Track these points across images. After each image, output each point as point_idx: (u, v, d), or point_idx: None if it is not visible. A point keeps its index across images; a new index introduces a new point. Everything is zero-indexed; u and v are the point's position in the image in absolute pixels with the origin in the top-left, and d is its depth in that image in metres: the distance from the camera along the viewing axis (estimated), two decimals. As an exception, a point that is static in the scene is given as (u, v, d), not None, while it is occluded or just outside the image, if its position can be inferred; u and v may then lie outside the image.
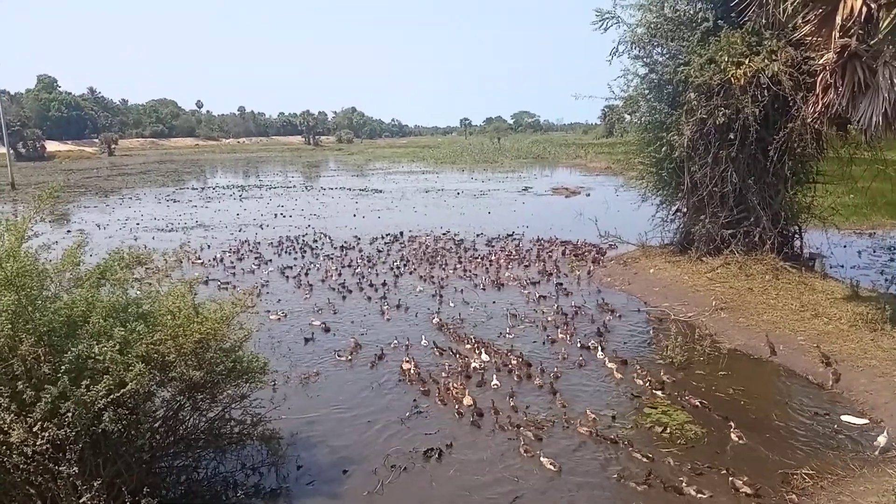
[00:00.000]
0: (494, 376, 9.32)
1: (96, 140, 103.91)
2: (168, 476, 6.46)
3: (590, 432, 7.55)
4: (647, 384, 8.90)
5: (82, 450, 5.19)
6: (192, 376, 5.88)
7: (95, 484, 5.09)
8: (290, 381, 9.32)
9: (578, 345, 10.61)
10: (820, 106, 10.90)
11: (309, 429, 7.91)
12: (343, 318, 12.73)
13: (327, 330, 11.90)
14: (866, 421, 7.70)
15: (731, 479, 6.46)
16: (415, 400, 8.61)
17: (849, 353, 9.42)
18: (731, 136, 13.58)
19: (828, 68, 10.38)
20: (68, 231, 22.76)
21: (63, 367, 5.08)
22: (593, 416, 7.93)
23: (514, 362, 9.82)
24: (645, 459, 6.95)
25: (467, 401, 8.45)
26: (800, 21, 11.33)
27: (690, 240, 15.29)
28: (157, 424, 6.31)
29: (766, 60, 12.84)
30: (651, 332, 11.57)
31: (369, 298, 14.05)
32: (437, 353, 10.54)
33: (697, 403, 8.26)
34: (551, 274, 15.69)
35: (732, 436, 7.37)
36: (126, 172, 62.69)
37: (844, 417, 7.84)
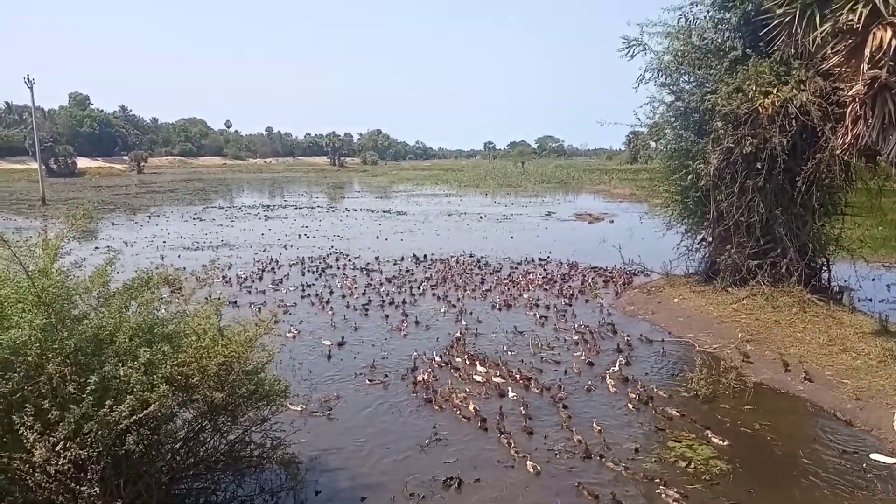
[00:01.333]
0: (512, 401, 9.25)
1: (126, 157, 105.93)
2: (187, 498, 6.46)
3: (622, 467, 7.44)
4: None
5: (104, 470, 5.21)
6: (214, 398, 5.89)
7: (116, 505, 5.11)
8: (311, 403, 9.30)
9: (604, 377, 10.45)
10: (849, 137, 10.79)
11: (328, 454, 7.88)
12: (364, 336, 12.81)
13: (341, 345, 12.20)
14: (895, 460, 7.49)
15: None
16: (434, 427, 8.54)
17: (878, 389, 9.20)
18: (759, 165, 13.46)
19: (857, 100, 10.30)
20: (96, 247, 23.06)
21: (88, 387, 5.11)
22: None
23: (534, 389, 9.76)
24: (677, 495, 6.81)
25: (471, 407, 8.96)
26: (829, 52, 11.30)
27: (716, 270, 15.12)
28: (177, 445, 6.32)
29: (794, 90, 12.76)
30: (675, 362, 11.40)
31: (387, 317, 14.16)
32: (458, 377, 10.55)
33: (718, 442, 8.09)
34: (572, 298, 15.61)
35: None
36: (154, 190, 63.68)
37: (873, 456, 7.64)
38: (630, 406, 9.30)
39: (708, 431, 8.37)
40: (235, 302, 14.94)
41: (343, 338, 12.60)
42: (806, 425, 8.82)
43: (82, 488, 5.07)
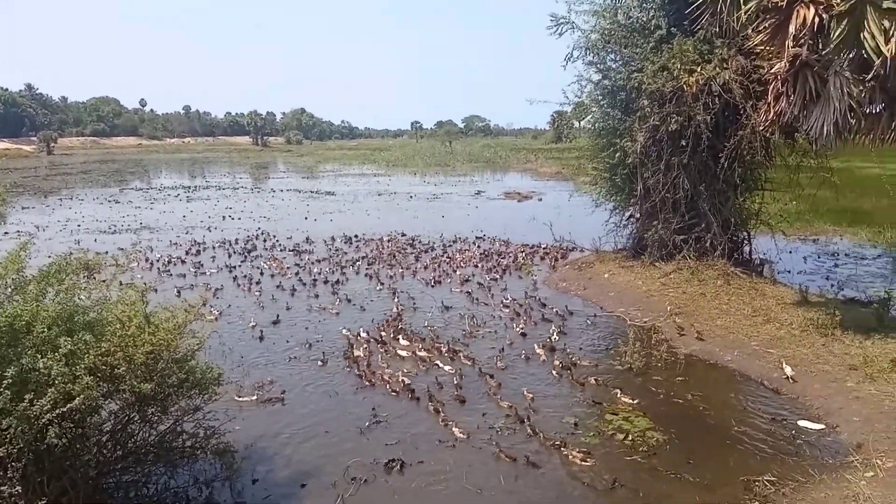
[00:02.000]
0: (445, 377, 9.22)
1: (34, 138, 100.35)
2: (116, 492, 6.12)
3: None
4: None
5: (25, 467, 4.86)
6: (142, 389, 5.57)
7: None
8: (244, 390, 8.98)
9: (537, 350, 10.53)
10: (771, 114, 11.11)
11: (264, 441, 7.63)
12: (296, 317, 12.62)
13: (275, 324, 12.14)
14: (822, 426, 7.81)
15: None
16: (374, 409, 8.39)
17: (802, 357, 9.59)
18: (683, 142, 13.76)
19: (779, 77, 10.59)
20: (5, 233, 21.67)
21: (5, 381, 4.73)
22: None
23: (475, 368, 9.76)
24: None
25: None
26: (751, 31, 11.58)
27: (643, 245, 15.44)
28: (104, 438, 5.98)
29: (717, 69, 13.08)
30: (608, 336, 11.60)
31: (317, 296, 14.05)
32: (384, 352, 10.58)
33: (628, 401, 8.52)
34: (504, 273, 15.71)
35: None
36: (66, 172, 60.56)
37: (801, 423, 7.96)
38: (554, 374, 9.55)
39: (617, 391, 8.74)
40: (157, 287, 14.29)
41: (275, 318, 12.46)
42: (736, 395, 9.09)
43: (2, 487, 4.73)
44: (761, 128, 11.92)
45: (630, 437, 7.62)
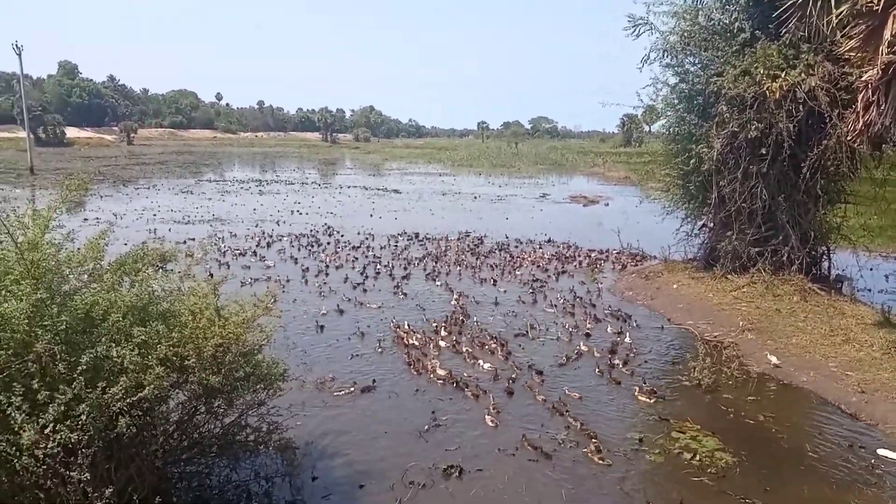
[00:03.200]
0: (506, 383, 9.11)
1: (115, 128, 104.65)
2: (179, 482, 6.22)
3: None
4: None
5: (95, 454, 4.97)
6: (210, 381, 5.65)
7: (107, 491, 4.88)
8: (306, 385, 9.07)
9: (599, 368, 10.28)
10: (860, 124, 10.60)
11: (325, 438, 7.67)
12: (357, 313, 12.64)
13: (339, 316, 12.62)
14: (905, 456, 7.36)
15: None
16: (433, 412, 8.34)
17: (882, 382, 9.07)
18: (763, 150, 13.24)
19: (870, 86, 10.08)
20: (85, 219, 22.69)
21: (80, 367, 4.86)
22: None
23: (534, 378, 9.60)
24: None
25: (441, 372, 9.54)
26: (840, 36, 11.04)
27: (716, 256, 14.93)
28: (170, 429, 6.08)
29: (803, 74, 12.50)
30: (676, 351, 11.24)
31: (379, 291, 13.92)
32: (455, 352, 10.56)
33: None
34: (560, 276, 15.44)
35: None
36: (144, 162, 62.93)
37: (881, 451, 7.52)
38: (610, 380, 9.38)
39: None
40: (227, 278, 14.60)
41: (338, 311, 12.79)
42: (811, 418, 8.68)
43: (72, 473, 4.83)
44: (848, 138, 11.35)
45: (698, 458, 7.33)
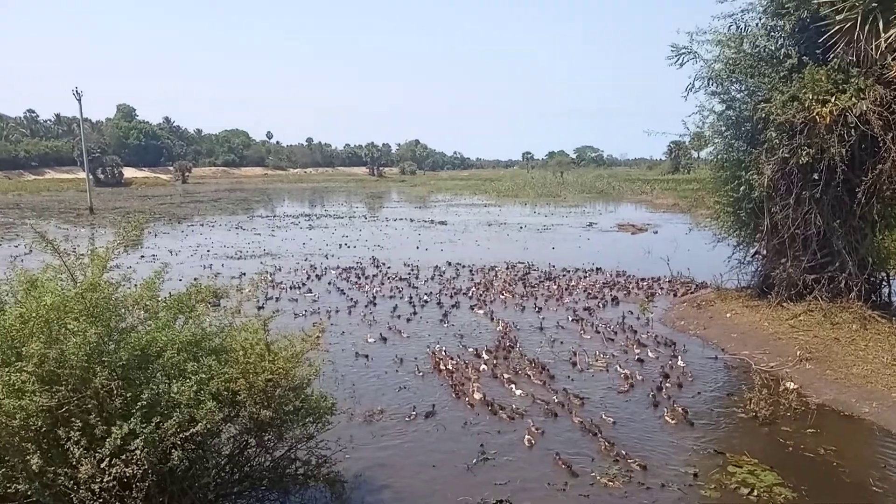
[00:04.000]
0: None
1: (171, 168, 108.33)
2: (232, 515, 6.33)
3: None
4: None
5: (149, 488, 5.11)
6: (260, 415, 5.77)
7: (161, 524, 5.00)
8: (354, 418, 9.15)
9: (653, 400, 10.09)
10: (915, 147, 10.34)
11: (373, 471, 7.69)
12: (403, 346, 12.65)
13: (385, 341, 13.11)
14: (977, 492, 7.02)
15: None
16: (482, 445, 8.30)
17: (951, 413, 8.69)
18: (816, 176, 12.95)
19: (924, 108, 9.84)
20: (142, 256, 23.45)
21: (139, 403, 5.03)
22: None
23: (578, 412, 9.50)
24: None
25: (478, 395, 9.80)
26: (891, 60, 10.85)
27: (770, 284, 14.57)
28: (222, 462, 6.22)
29: (853, 98, 12.23)
30: (731, 382, 10.96)
31: (426, 322, 13.97)
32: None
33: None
34: (613, 305, 15.25)
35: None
36: (198, 200, 64.80)
37: (952, 487, 7.18)
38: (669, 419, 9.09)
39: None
40: (277, 311, 14.88)
41: (384, 340, 13.09)
42: (874, 450, 8.35)
43: (128, 506, 4.98)
44: (903, 162, 11.06)
45: (755, 493, 7.11)
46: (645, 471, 7.58)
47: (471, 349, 12.39)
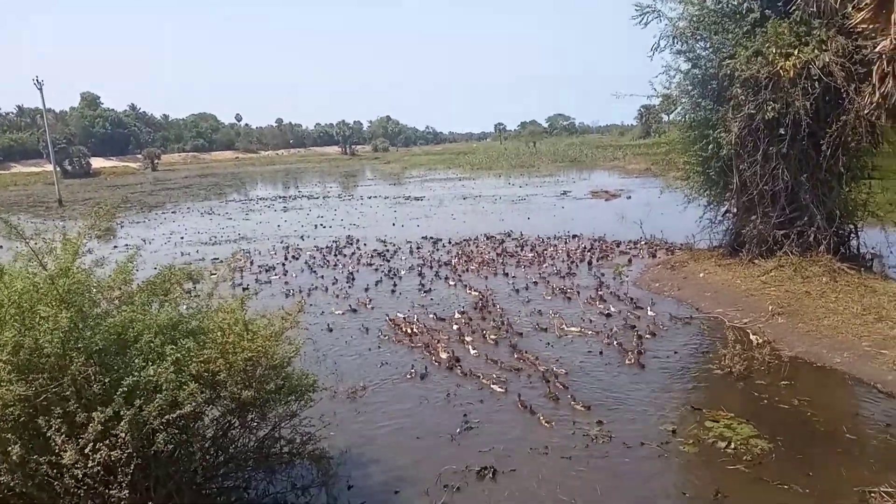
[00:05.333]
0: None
1: (139, 156, 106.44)
2: (219, 497, 6.33)
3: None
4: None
5: (134, 472, 5.08)
6: (242, 395, 5.76)
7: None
8: (338, 395, 9.16)
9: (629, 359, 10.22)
10: (877, 97, 10.48)
11: (359, 447, 7.74)
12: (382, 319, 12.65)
13: (354, 311, 13.51)
14: (945, 432, 7.22)
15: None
16: (465, 415, 8.36)
17: (919, 357, 8.89)
18: (782, 131, 13.08)
19: (884, 57, 9.93)
20: (115, 246, 23.15)
21: (120, 388, 4.99)
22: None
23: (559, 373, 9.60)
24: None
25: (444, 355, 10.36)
26: (851, 9, 10.91)
27: (741, 242, 14.76)
28: (206, 444, 6.20)
29: (815, 51, 12.32)
30: (705, 339, 11.12)
31: (399, 294, 13.97)
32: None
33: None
34: (583, 266, 15.37)
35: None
36: (169, 187, 63.92)
37: (921, 428, 7.37)
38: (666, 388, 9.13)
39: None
40: (255, 293, 14.76)
41: (356, 314, 13.18)
42: (846, 399, 8.58)
43: (111, 491, 4.94)
44: (866, 112, 11.22)
45: (733, 446, 7.26)
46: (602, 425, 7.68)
47: (448, 318, 12.45)
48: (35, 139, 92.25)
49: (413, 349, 11.07)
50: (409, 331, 11.83)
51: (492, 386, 9.23)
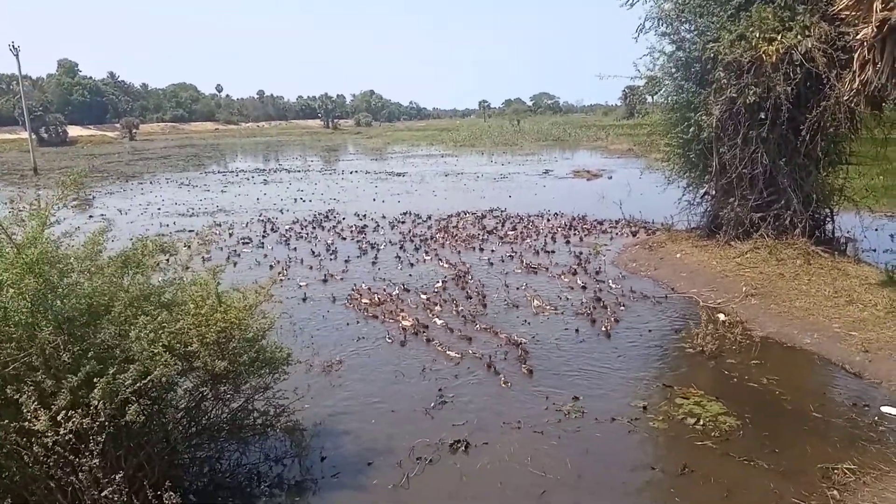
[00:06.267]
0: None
1: (117, 125, 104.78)
2: (191, 467, 6.35)
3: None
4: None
5: (105, 441, 5.08)
6: (215, 367, 5.76)
7: (117, 477, 4.99)
8: (313, 369, 9.17)
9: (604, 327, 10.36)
10: (857, 84, 10.53)
11: (333, 419, 7.76)
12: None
13: (325, 281, 13.72)
14: (908, 412, 7.40)
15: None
16: (440, 389, 8.42)
17: (886, 340, 9.07)
18: (762, 115, 13.18)
19: (866, 44, 9.99)
20: (90, 216, 22.85)
21: (90, 353, 4.96)
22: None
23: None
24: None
25: (406, 322, 10.68)
26: (835, -6, 10.94)
27: (718, 224, 14.91)
28: (179, 415, 6.21)
29: (798, 36, 12.39)
30: (679, 320, 11.26)
31: (378, 268, 13.96)
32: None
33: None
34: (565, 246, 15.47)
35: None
36: (147, 157, 63.02)
37: (884, 408, 7.54)
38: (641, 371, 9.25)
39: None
40: (232, 265, 14.72)
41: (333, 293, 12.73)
42: (815, 379, 8.74)
43: (82, 461, 4.94)
44: (846, 98, 11.29)
45: (701, 422, 7.39)
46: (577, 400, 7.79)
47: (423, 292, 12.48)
48: (11, 106, 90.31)
49: (376, 319, 11.32)
50: (372, 300, 12.20)
51: (447, 352, 9.49)
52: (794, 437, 7.07)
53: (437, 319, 11.05)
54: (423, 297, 12.33)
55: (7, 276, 5.02)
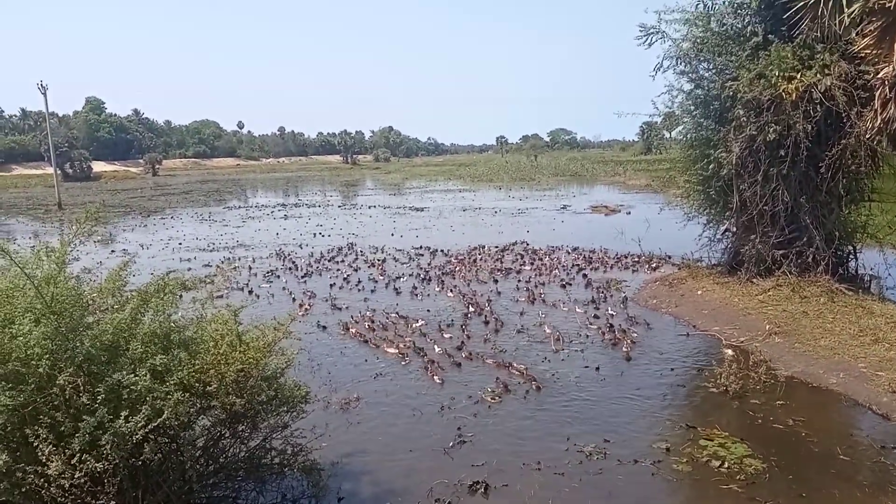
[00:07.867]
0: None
1: (141, 160, 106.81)
2: (208, 507, 6.29)
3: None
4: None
5: (121, 482, 5.05)
6: (233, 405, 5.73)
7: (135, 518, 4.95)
8: (331, 406, 9.13)
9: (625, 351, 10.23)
10: (878, 122, 10.54)
11: (350, 458, 7.69)
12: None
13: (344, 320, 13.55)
14: (940, 457, 7.19)
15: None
16: (459, 428, 8.33)
17: (916, 381, 8.88)
18: (783, 152, 13.11)
19: (887, 83, 10.01)
20: (112, 251, 23.13)
21: (100, 396, 4.95)
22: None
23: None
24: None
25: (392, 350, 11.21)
26: (855, 35, 10.98)
27: (740, 260, 14.78)
28: (197, 454, 6.17)
29: (818, 75, 12.39)
30: (702, 358, 11.10)
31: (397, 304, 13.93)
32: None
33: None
34: (585, 283, 15.36)
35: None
36: (169, 192, 63.95)
37: (915, 452, 7.35)
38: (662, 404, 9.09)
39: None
40: (250, 301, 14.74)
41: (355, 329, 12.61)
42: (842, 420, 8.55)
43: (99, 502, 4.91)
44: (867, 136, 11.25)
45: (726, 465, 7.22)
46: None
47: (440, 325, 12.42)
48: (37, 142, 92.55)
49: (392, 355, 11.29)
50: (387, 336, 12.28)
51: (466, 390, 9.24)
52: (822, 481, 6.89)
53: (452, 357, 10.99)
54: (441, 333, 12.31)
55: (27, 317, 5.04)
